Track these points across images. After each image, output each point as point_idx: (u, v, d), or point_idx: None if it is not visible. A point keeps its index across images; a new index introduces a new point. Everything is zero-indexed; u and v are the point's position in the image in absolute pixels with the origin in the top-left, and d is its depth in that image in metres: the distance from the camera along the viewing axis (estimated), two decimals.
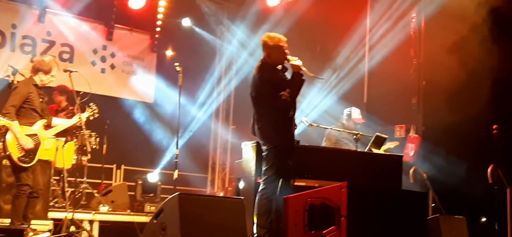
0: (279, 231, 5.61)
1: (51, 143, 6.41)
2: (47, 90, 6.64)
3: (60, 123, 6.66)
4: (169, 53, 12.33)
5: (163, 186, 10.06)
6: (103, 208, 8.19)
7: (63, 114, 8.37)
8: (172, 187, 7.69)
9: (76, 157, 8.37)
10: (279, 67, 5.87)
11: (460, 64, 7.64)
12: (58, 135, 6.65)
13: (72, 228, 6.39)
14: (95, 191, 8.86)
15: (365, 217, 4.75)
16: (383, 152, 7.31)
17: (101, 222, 7.71)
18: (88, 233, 7.01)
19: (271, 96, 5.69)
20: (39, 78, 6.29)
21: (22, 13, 10.64)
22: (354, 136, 7.22)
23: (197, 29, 12.31)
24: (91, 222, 7.55)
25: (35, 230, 6.34)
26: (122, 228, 7.95)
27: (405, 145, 8.49)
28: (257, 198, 5.71)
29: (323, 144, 7.80)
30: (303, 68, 5.73)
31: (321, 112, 9.73)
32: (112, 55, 11.81)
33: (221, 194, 11.84)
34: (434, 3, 8.53)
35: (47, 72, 6.31)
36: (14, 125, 5.97)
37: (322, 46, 10.54)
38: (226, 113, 12.89)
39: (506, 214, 6.95)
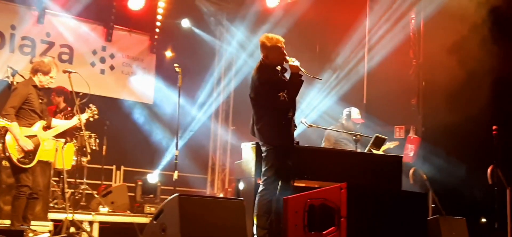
0: (279, 232, 5.61)
1: (51, 144, 6.42)
2: (45, 92, 6.63)
3: (60, 124, 6.66)
4: (168, 54, 12.33)
5: (162, 187, 10.07)
6: (103, 209, 8.19)
7: (61, 115, 8.36)
8: (171, 188, 7.70)
9: (76, 158, 8.36)
10: (278, 68, 5.88)
11: (460, 65, 7.64)
12: (58, 136, 6.65)
13: (72, 229, 6.38)
14: (95, 192, 8.86)
15: (365, 218, 4.74)
16: (382, 153, 7.30)
17: (101, 223, 7.71)
18: (88, 234, 7.00)
19: (269, 97, 5.69)
20: (38, 79, 6.29)
21: (21, 14, 10.63)
22: (354, 137, 7.22)
23: (197, 30, 12.31)
24: (91, 223, 7.55)
25: (35, 231, 6.33)
26: (122, 229, 7.94)
27: (404, 146, 8.49)
28: (257, 199, 5.71)
29: (323, 144, 7.79)
30: (301, 69, 5.74)
31: (320, 113, 9.73)
32: (112, 56, 11.81)
33: (221, 195, 11.84)
34: (433, 3, 8.53)
35: (46, 73, 6.31)
36: (14, 126, 5.97)
37: (321, 47, 10.55)
38: (226, 114, 12.89)
39: (506, 214, 6.95)
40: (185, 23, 12.17)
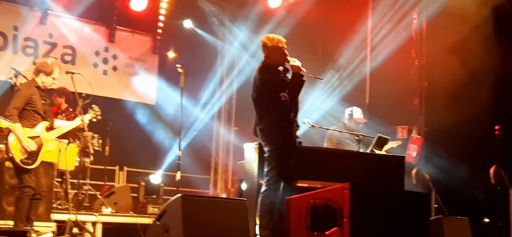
0: (281, 232, 5.62)
1: (54, 145, 6.42)
2: (47, 93, 6.64)
3: (63, 125, 6.67)
4: (171, 54, 12.32)
5: (165, 188, 10.06)
6: (106, 210, 8.20)
7: (63, 116, 8.37)
8: (174, 188, 7.69)
9: (79, 159, 8.36)
10: (281, 68, 5.89)
11: (462, 65, 7.64)
12: (60, 137, 6.64)
13: (75, 230, 6.40)
14: (98, 192, 8.87)
15: (368, 218, 4.75)
16: (385, 153, 7.30)
17: (104, 223, 7.72)
18: (91, 234, 7.02)
19: (271, 97, 5.69)
20: (41, 79, 6.29)
21: (24, 15, 10.64)
22: (356, 137, 7.22)
23: (199, 31, 12.31)
24: (94, 223, 7.56)
25: (38, 232, 6.34)
26: (125, 229, 7.95)
27: (407, 146, 8.49)
28: (259, 199, 5.72)
29: (325, 145, 7.78)
30: (303, 69, 5.74)
31: (323, 113, 9.73)
32: (114, 57, 11.81)
33: (224, 196, 11.84)
34: (435, 3, 8.53)
35: (48, 73, 6.31)
36: (17, 127, 5.98)
37: (323, 47, 10.55)
38: (228, 115, 12.89)
39: (508, 214, 6.95)
40: (188, 23, 12.18)
